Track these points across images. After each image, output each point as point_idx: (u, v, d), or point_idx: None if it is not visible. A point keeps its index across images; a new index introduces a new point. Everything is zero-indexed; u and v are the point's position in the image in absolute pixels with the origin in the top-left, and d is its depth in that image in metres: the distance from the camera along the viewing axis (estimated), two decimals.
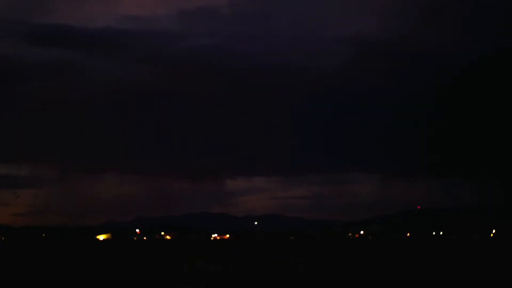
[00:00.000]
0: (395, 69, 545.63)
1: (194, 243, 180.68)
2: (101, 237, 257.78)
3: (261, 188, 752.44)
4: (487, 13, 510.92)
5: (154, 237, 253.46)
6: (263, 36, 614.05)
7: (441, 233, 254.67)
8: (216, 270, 57.72)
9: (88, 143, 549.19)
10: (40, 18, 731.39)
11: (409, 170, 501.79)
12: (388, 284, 45.55)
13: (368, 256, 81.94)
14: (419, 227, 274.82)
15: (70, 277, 52.03)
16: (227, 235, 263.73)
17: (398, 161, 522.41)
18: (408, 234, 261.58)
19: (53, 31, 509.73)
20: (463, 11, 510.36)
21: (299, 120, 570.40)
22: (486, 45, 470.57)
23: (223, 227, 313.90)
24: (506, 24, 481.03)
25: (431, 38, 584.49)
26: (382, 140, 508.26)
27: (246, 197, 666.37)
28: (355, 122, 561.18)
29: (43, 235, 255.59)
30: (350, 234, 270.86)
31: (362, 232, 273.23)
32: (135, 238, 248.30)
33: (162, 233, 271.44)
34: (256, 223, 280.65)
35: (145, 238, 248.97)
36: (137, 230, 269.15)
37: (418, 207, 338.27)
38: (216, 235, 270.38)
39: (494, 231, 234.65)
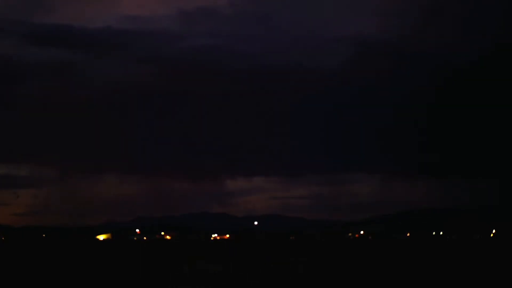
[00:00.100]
0: (395, 69, 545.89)
1: (194, 243, 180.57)
2: (101, 237, 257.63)
3: (261, 188, 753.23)
4: (487, 13, 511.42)
5: (154, 237, 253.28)
6: (263, 36, 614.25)
7: (441, 233, 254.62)
8: (216, 270, 57.71)
9: (88, 143, 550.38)
10: (40, 18, 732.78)
11: (409, 170, 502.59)
12: (388, 284, 45.56)
13: (368, 256, 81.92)
14: (419, 227, 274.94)
15: (70, 277, 52.03)
16: (227, 235, 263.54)
17: (398, 161, 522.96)
18: (408, 234, 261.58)
19: (53, 31, 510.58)
20: (463, 11, 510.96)
21: (299, 120, 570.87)
22: (486, 45, 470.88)
23: (223, 227, 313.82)
24: (506, 24, 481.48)
25: (431, 38, 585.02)
26: (382, 140, 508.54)
27: (246, 197, 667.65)
28: (355, 122, 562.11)
29: (43, 235, 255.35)
30: (350, 234, 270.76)
31: (362, 232, 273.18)
32: (135, 238, 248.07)
33: (162, 233, 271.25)
34: (256, 223, 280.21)
35: (145, 238, 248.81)
36: (137, 230, 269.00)
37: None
38: (216, 235, 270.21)
39: (494, 231, 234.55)
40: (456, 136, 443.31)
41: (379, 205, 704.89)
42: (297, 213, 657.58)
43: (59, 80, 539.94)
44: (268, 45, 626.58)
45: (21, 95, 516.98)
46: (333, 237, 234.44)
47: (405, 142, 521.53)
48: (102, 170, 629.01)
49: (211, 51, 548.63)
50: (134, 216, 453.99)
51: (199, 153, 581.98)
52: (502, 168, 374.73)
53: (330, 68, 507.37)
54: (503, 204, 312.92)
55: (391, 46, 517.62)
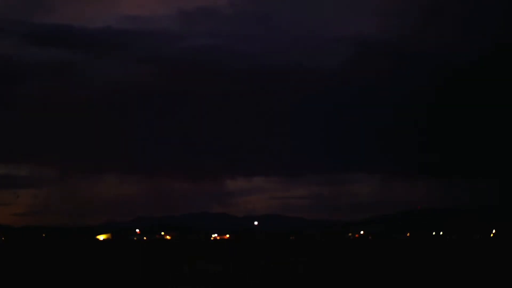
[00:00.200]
0: (395, 69, 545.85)
1: (194, 243, 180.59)
2: (101, 237, 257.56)
3: (261, 188, 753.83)
4: (487, 13, 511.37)
5: (154, 237, 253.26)
6: (263, 36, 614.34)
7: (441, 233, 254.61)
8: (216, 270, 57.73)
9: (88, 143, 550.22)
10: (40, 18, 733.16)
11: (409, 170, 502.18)
12: (388, 284, 45.56)
13: (368, 256, 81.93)
14: (419, 227, 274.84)
15: (70, 277, 52.03)
16: (227, 235, 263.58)
17: (398, 161, 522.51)
18: (408, 234, 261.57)
19: (53, 31, 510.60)
20: (463, 11, 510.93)
21: (299, 120, 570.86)
22: (486, 45, 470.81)
23: (223, 227, 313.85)
24: (506, 24, 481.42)
25: (431, 38, 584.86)
26: (382, 140, 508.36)
27: (246, 197, 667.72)
28: (355, 122, 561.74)
29: (43, 235, 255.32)
30: (350, 234, 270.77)
31: (362, 232, 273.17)
32: (135, 238, 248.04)
33: (162, 233, 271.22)
34: (256, 223, 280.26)
35: (145, 238, 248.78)
36: (137, 230, 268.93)
37: (419, 207, 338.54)
38: (216, 235, 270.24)
39: (494, 231, 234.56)
40: (456, 136, 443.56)
41: (379, 205, 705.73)
42: (297, 213, 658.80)
43: (59, 80, 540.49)
44: (268, 45, 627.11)
45: (21, 95, 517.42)
46: (333, 237, 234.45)
47: (405, 142, 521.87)
48: (102, 170, 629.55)
49: (211, 51, 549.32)
50: (134, 216, 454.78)
51: (199, 153, 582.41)
52: (502, 168, 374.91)
53: (330, 68, 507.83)
54: (503, 204, 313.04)
55: (391, 46, 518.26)
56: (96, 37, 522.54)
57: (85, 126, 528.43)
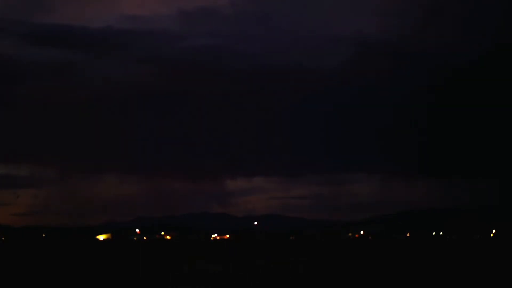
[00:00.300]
0: (395, 69, 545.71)
1: (194, 243, 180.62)
2: (101, 237, 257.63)
3: (261, 188, 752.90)
4: (487, 13, 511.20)
5: (154, 237, 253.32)
6: (263, 36, 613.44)
7: (441, 233, 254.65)
8: (216, 270, 57.75)
9: (88, 143, 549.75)
10: (40, 18, 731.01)
11: (409, 170, 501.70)
12: (388, 284, 45.57)
13: (368, 256, 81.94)
14: (419, 227, 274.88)
15: (70, 277, 52.04)
16: (227, 235, 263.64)
17: (398, 161, 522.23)
18: (408, 234, 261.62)
19: (53, 31, 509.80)
20: (463, 11, 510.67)
21: (299, 120, 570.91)
22: (486, 45, 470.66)
23: (223, 227, 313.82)
24: (506, 24, 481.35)
25: (431, 38, 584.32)
26: (382, 140, 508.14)
27: (246, 197, 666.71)
28: (355, 122, 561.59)
29: (43, 235, 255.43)
30: (350, 234, 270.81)
31: (362, 232, 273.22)
32: (135, 238, 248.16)
33: (162, 233, 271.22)
34: (256, 223, 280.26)
35: (145, 238, 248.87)
36: (137, 230, 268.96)
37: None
38: (216, 235, 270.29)
39: (494, 231, 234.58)
40: (456, 136, 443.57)
41: (379, 205, 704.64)
42: (297, 213, 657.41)
43: (59, 80, 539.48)
44: (268, 45, 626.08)
45: (21, 95, 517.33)
46: (333, 237, 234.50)
47: (405, 142, 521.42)
48: (102, 170, 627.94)
49: (211, 51, 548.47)
50: (134, 216, 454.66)
51: (199, 153, 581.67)
52: (502, 168, 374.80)
53: (330, 68, 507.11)
54: (503, 204, 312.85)
55: (391, 46, 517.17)
56: (96, 37, 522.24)
57: (85, 126, 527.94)
